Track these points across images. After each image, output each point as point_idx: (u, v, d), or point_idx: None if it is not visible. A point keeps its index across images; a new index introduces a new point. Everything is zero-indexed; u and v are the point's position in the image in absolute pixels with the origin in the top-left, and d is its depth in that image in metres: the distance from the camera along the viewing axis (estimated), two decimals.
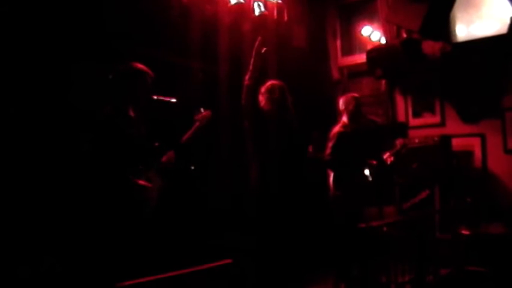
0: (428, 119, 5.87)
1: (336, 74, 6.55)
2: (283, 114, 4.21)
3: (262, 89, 4.26)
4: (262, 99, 4.24)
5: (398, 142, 4.88)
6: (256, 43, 4.02)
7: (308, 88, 5.73)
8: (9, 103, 3.27)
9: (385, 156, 4.73)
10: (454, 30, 5.42)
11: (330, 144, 4.64)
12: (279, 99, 4.20)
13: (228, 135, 4.75)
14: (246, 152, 4.29)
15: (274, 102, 4.20)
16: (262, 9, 5.07)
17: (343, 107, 4.79)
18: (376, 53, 5.74)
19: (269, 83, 4.27)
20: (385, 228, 4.09)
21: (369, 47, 5.96)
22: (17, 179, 3.22)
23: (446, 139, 5.31)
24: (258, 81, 4.11)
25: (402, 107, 6.09)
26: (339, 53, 6.63)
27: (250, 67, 4.04)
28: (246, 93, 4.06)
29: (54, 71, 3.51)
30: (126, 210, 3.14)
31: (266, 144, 4.15)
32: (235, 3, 4.80)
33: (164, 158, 3.53)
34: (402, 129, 5.95)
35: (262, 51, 4.02)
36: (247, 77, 4.04)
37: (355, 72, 6.45)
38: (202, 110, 3.86)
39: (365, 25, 6.16)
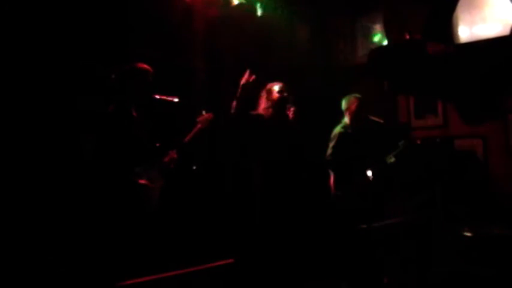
0: (430, 120, 5.86)
1: (338, 75, 6.55)
2: (283, 115, 4.21)
3: (262, 92, 4.27)
4: (261, 101, 4.25)
5: (402, 143, 4.87)
6: (245, 76, 3.95)
7: (310, 88, 5.73)
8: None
9: (387, 158, 4.72)
10: (457, 32, 5.41)
11: (331, 144, 4.64)
12: (278, 101, 4.20)
13: (230, 135, 4.76)
14: (247, 153, 4.29)
15: (273, 104, 4.20)
16: (265, 9, 5.08)
17: (346, 107, 4.79)
18: (379, 54, 5.74)
19: (268, 85, 4.28)
20: (387, 229, 4.09)
21: (372, 47, 5.96)
22: (20, 179, 3.23)
23: (448, 140, 5.30)
24: (244, 111, 4.05)
25: (404, 108, 6.09)
26: (342, 54, 6.62)
27: (237, 96, 3.95)
28: (232, 123, 4.01)
29: (57, 71, 3.52)
30: (128, 209, 3.15)
31: (267, 147, 4.14)
32: (238, 4, 4.82)
33: (166, 158, 3.54)
34: (405, 130, 5.94)
35: (251, 80, 3.94)
36: (233, 106, 3.96)
37: (357, 73, 6.44)
38: (204, 112, 3.86)
39: (368, 25, 6.16)
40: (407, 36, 5.65)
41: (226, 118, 3.99)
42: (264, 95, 4.24)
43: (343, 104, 4.84)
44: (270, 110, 4.20)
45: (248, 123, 4.10)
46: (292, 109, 4.25)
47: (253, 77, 3.95)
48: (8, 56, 3.27)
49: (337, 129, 4.73)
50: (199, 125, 3.80)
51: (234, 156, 4.69)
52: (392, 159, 4.72)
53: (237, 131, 4.23)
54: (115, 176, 3.13)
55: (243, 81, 3.92)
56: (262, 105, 4.25)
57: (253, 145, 4.19)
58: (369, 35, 6.19)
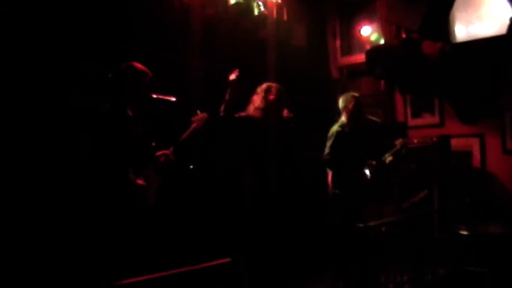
0: (427, 119, 5.87)
1: (335, 74, 6.56)
2: (277, 116, 4.20)
3: (258, 89, 4.26)
4: (256, 98, 4.23)
5: (399, 142, 4.87)
6: (232, 74, 3.96)
7: (307, 87, 5.73)
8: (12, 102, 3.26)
9: (384, 157, 4.73)
10: (454, 31, 5.43)
11: (328, 143, 4.64)
12: (274, 101, 4.19)
13: (220, 135, 4.75)
14: (238, 153, 4.28)
15: (269, 103, 4.19)
16: (262, 8, 5.08)
17: (343, 106, 4.79)
18: (376, 53, 5.74)
19: (265, 84, 4.27)
20: (383, 228, 4.10)
21: (368, 46, 5.98)
22: (14, 177, 3.22)
23: (445, 139, 5.31)
24: (234, 113, 4.07)
25: (401, 107, 6.09)
26: (339, 53, 6.63)
27: (226, 97, 3.98)
28: (220, 124, 4.02)
29: (54, 69, 3.51)
30: (123, 208, 3.14)
31: (261, 147, 4.14)
32: (235, 3, 4.81)
33: (161, 158, 3.52)
34: (401, 129, 5.95)
35: (231, 78, 3.95)
36: (222, 108, 3.99)
37: (354, 72, 6.46)
38: (198, 111, 3.86)
39: (364, 25, 6.18)
40: (404, 36, 5.66)
41: (216, 120, 3.99)
42: (260, 93, 4.22)
43: (341, 103, 4.84)
44: (264, 110, 4.19)
45: (235, 126, 4.10)
46: (286, 110, 4.24)
47: (236, 76, 3.97)
48: (4, 54, 3.26)
49: (335, 128, 4.73)
50: (194, 125, 3.79)
51: (226, 156, 4.68)
52: (390, 158, 4.73)
53: (226, 133, 4.22)
54: (110, 175, 3.12)
55: (231, 77, 3.96)
56: (257, 102, 4.22)
57: (243, 146, 4.18)
58: (365, 34, 6.19)
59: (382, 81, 6.15)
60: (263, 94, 4.19)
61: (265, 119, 4.17)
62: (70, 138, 3.51)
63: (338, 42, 6.64)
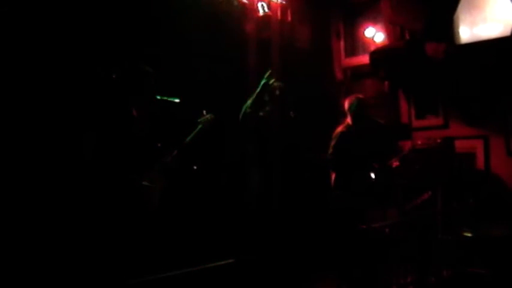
0: (431, 120, 5.86)
1: (339, 75, 6.55)
2: (282, 116, 4.22)
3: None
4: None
5: (407, 147, 4.87)
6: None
7: (311, 89, 5.73)
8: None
9: (391, 161, 4.72)
10: (458, 32, 5.41)
11: (332, 143, 4.66)
12: (278, 102, 4.22)
13: (230, 135, 4.77)
14: (247, 153, 4.30)
15: (273, 102, 4.22)
16: (266, 9, 5.09)
17: (347, 107, 4.81)
18: (380, 54, 5.74)
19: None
20: (387, 230, 4.10)
21: (373, 48, 5.97)
22: (20, 179, 3.23)
23: (449, 141, 5.31)
24: (258, 110, 4.11)
25: (405, 109, 6.08)
26: (343, 54, 6.62)
27: (255, 95, 4.03)
28: (245, 119, 4.07)
29: (58, 70, 3.53)
30: (128, 209, 3.15)
31: (266, 146, 4.16)
32: (240, 4, 4.83)
33: (167, 159, 3.54)
34: (405, 130, 5.94)
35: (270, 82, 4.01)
36: (249, 103, 4.04)
37: (358, 73, 6.45)
38: (205, 112, 3.87)
39: (369, 26, 6.17)
40: (408, 37, 5.66)
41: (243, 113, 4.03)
42: (265, 95, 4.26)
43: (346, 104, 4.86)
44: (271, 109, 4.22)
45: (255, 124, 4.14)
46: (291, 110, 4.25)
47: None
48: (10, 54, 3.27)
49: (339, 129, 4.76)
50: (200, 126, 3.81)
51: (234, 156, 4.69)
52: (397, 163, 4.71)
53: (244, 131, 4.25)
54: (115, 175, 3.13)
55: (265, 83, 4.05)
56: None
57: (254, 145, 4.21)
58: (369, 35, 6.19)
59: (386, 83, 6.14)
60: (268, 96, 4.23)
61: (271, 120, 4.20)
62: (75, 139, 3.52)
63: (342, 44, 6.63)
